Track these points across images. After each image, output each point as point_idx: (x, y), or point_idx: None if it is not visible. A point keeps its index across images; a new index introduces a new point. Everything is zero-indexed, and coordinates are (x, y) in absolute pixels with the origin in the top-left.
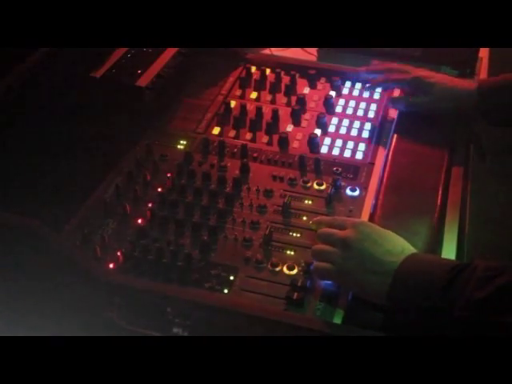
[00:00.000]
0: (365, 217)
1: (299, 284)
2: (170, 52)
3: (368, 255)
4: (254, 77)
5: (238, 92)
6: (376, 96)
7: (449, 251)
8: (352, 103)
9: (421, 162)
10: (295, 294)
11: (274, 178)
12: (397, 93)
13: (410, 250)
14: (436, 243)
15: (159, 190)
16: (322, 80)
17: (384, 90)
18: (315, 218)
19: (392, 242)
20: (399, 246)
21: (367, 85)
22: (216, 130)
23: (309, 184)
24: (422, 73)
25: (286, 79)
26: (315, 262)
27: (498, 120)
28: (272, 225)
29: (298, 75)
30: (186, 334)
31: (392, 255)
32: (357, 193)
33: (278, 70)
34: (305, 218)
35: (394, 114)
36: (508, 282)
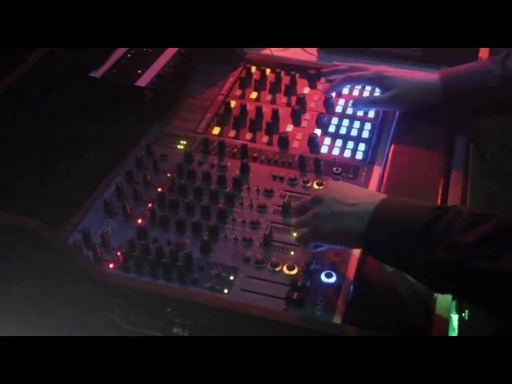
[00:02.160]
0: None
1: (299, 284)
2: (170, 52)
3: (336, 203)
4: (254, 77)
5: (238, 92)
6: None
7: None
8: None
9: (421, 162)
10: (295, 294)
11: (274, 177)
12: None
13: (382, 195)
14: None
15: (159, 190)
16: (322, 80)
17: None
18: (296, 205)
19: (361, 190)
20: (369, 191)
21: (328, 88)
22: (216, 130)
23: (309, 184)
24: (383, 68)
25: (285, 79)
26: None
27: (464, 109)
28: (272, 225)
29: (297, 75)
30: (186, 334)
31: (362, 198)
32: None
33: (277, 70)
34: None
35: (394, 113)
36: (493, 230)
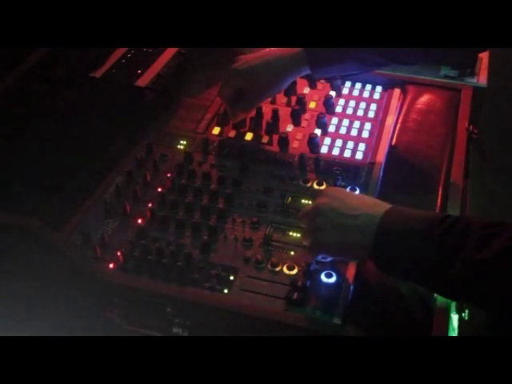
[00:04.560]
0: None
1: (299, 284)
2: (170, 52)
3: (338, 214)
4: None
5: None
6: (376, 96)
7: None
8: (352, 103)
9: (421, 162)
10: (295, 294)
11: (274, 177)
12: None
13: (383, 204)
14: None
15: (159, 189)
16: (322, 80)
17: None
18: (299, 214)
19: (361, 198)
20: (369, 200)
21: None
22: (216, 130)
23: (309, 184)
24: (236, 63)
25: None
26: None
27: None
28: (272, 225)
29: None
30: (185, 334)
31: (364, 208)
32: (357, 193)
33: None
34: None
35: (393, 113)
36: (510, 241)
